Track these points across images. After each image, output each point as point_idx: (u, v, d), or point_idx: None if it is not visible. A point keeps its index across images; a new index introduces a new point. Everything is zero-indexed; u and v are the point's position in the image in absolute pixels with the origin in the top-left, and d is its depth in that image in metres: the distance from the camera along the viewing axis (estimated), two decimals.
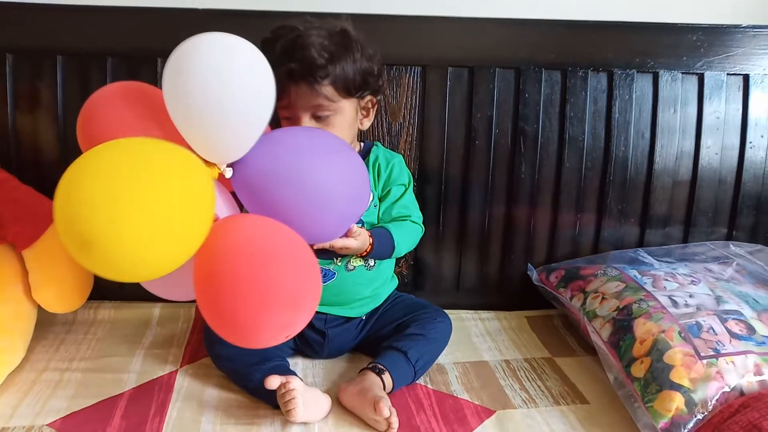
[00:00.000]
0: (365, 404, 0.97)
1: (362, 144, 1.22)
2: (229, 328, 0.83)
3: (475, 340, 1.29)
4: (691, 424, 0.92)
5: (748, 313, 1.08)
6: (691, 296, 1.14)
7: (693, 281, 1.19)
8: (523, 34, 1.36)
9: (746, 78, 1.40)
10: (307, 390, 0.98)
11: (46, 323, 1.22)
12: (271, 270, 0.80)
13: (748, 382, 0.96)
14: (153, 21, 1.29)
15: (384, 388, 1.02)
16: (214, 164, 0.86)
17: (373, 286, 1.19)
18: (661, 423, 0.93)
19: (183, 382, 1.09)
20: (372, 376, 1.03)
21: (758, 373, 0.97)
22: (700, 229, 1.45)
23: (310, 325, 1.14)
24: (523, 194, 1.40)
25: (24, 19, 1.28)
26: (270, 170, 0.88)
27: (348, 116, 1.09)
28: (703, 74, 1.39)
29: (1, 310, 1.05)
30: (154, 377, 1.10)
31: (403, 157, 1.25)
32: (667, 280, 1.20)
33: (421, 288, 1.43)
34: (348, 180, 0.92)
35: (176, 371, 1.12)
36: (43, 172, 1.31)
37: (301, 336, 1.15)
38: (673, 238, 1.45)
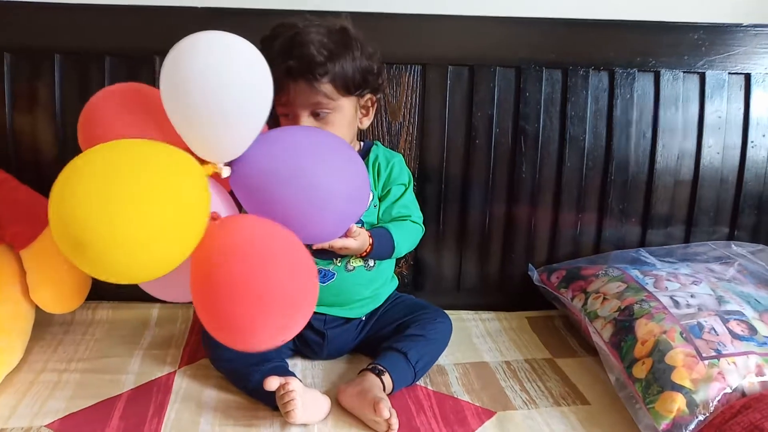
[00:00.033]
0: (365, 405, 0.97)
1: (362, 143, 1.22)
2: (225, 331, 0.82)
3: (476, 340, 1.29)
4: (692, 425, 0.92)
5: (749, 313, 1.08)
6: (692, 296, 1.13)
7: (695, 281, 1.19)
8: (523, 33, 1.36)
9: (748, 77, 1.39)
10: (306, 391, 0.97)
11: (44, 324, 1.22)
12: (267, 273, 0.79)
13: (750, 382, 0.96)
14: (151, 20, 1.29)
15: (384, 389, 1.02)
16: (209, 162, 0.85)
17: (373, 286, 1.18)
18: (663, 424, 0.93)
19: (181, 383, 1.08)
20: (372, 377, 1.03)
21: (760, 373, 0.96)
22: (702, 228, 1.44)
23: (310, 326, 1.14)
24: (524, 194, 1.40)
25: (22, 18, 1.27)
26: (269, 170, 0.88)
27: (347, 114, 1.09)
28: (704, 73, 1.39)
29: None
30: (153, 378, 1.09)
31: (403, 157, 1.25)
32: (668, 280, 1.20)
33: (421, 288, 1.43)
34: (347, 179, 0.92)
35: (175, 372, 1.12)
36: (42, 171, 1.30)
37: (300, 337, 1.15)
38: (675, 238, 1.44)
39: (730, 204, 1.44)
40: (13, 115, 1.30)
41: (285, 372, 1.04)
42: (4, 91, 1.28)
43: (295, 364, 1.15)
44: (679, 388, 0.95)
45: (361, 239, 1.05)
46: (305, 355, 1.18)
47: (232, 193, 0.94)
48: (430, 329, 1.13)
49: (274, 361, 1.05)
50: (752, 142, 1.42)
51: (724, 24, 1.37)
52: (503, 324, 1.36)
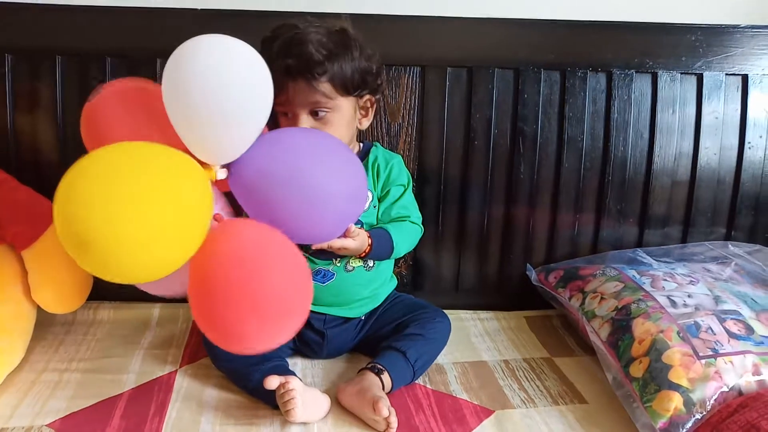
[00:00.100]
0: (364, 404, 0.97)
1: (361, 144, 1.22)
2: (219, 334, 0.83)
3: (474, 340, 1.29)
4: (689, 424, 0.92)
5: (746, 313, 1.08)
6: (689, 296, 1.14)
7: (692, 281, 1.20)
8: (522, 35, 1.36)
9: (745, 78, 1.40)
10: (306, 390, 0.98)
11: (45, 324, 1.22)
12: (262, 279, 0.80)
13: (747, 381, 0.96)
14: (152, 21, 1.29)
15: (383, 388, 1.02)
16: (209, 166, 0.86)
17: (372, 286, 1.19)
18: (660, 423, 0.93)
19: (182, 383, 1.09)
20: (371, 376, 1.03)
21: (756, 372, 0.97)
22: (699, 229, 1.45)
23: (310, 326, 1.14)
24: (522, 194, 1.41)
25: (23, 19, 1.28)
26: (267, 170, 0.88)
27: (346, 114, 1.09)
28: (701, 74, 1.39)
29: (0, 311, 1.05)
30: (154, 377, 1.10)
31: (402, 158, 1.25)
32: (665, 280, 1.21)
33: (420, 288, 1.43)
34: (345, 180, 0.92)
35: (175, 371, 1.12)
36: (43, 172, 1.31)
37: (300, 336, 1.15)
38: (672, 239, 1.45)
39: (727, 204, 1.45)
40: (13, 115, 1.30)
41: (285, 371, 1.04)
42: (5, 91, 1.29)
43: (295, 364, 1.15)
44: (676, 387, 0.95)
45: (359, 239, 1.06)
46: (305, 355, 1.18)
47: (231, 194, 0.94)
48: (429, 329, 1.14)
49: (274, 361, 1.06)
50: (749, 143, 1.42)
51: (721, 25, 1.37)
52: (502, 323, 1.37)
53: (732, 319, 1.06)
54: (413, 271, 1.43)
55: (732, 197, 1.44)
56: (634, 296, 1.16)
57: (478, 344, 1.27)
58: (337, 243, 1.03)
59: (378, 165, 1.18)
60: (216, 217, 0.85)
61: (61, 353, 1.17)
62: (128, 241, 0.72)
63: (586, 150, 1.40)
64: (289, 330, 0.85)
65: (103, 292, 1.30)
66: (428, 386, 1.10)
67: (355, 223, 1.07)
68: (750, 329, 1.04)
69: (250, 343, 0.83)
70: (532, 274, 1.41)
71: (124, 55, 1.30)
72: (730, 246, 1.39)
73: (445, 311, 1.21)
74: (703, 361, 0.98)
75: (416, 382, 1.11)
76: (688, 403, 0.94)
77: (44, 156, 1.32)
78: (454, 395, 1.08)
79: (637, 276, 1.23)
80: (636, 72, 1.38)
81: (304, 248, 0.87)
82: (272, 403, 0.98)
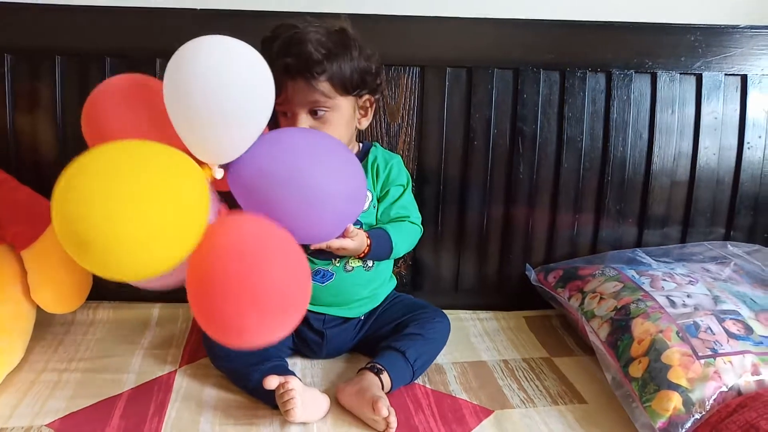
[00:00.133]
0: (364, 404, 0.97)
1: (361, 144, 1.22)
2: (217, 328, 0.82)
3: (474, 340, 1.29)
4: (688, 424, 0.93)
5: (745, 313, 1.09)
6: (688, 296, 1.14)
7: (691, 281, 1.20)
8: (521, 35, 1.36)
9: (744, 78, 1.40)
10: (305, 390, 0.98)
11: (44, 324, 1.22)
12: (261, 273, 0.80)
13: (746, 381, 0.96)
14: (151, 21, 1.29)
15: (382, 388, 1.03)
16: (207, 165, 0.86)
17: (372, 286, 1.19)
18: (659, 423, 0.94)
19: (182, 383, 1.09)
20: (370, 376, 1.03)
21: (756, 372, 0.97)
22: (698, 229, 1.45)
23: (309, 326, 1.14)
24: (522, 195, 1.41)
25: (23, 19, 1.28)
26: (266, 170, 0.88)
27: (345, 114, 1.09)
28: (701, 75, 1.39)
29: None
30: (153, 377, 1.10)
31: (402, 158, 1.26)
32: (665, 280, 1.21)
33: (420, 288, 1.43)
34: (344, 180, 0.92)
35: (175, 371, 1.12)
36: (42, 172, 1.31)
37: (299, 336, 1.15)
38: (671, 239, 1.45)
39: (727, 205, 1.45)
40: (13, 115, 1.30)
41: (284, 371, 1.04)
42: (4, 91, 1.29)
43: (295, 363, 1.15)
44: (676, 387, 0.96)
45: (358, 240, 1.06)
46: (305, 355, 1.18)
47: (230, 194, 0.94)
48: (429, 328, 1.14)
49: (274, 361, 1.06)
50: (748, 143, 1.42)
51: (720, 25, 1.38)
52: (501, 323, 1.37)
53: (731, 319, 1.06)
54: (413, 271, 1.43)
55: (731, 197, 1.45)
56: (634, 296, 1.16)
57: (477, 344, 1.27)
58: (336, 243, 1.03)
59: (377, 165, 1.18)
60: (218, 211, 0.85)
61: (60, 353, 1.17)
62: (127, 240, 0.72)
63: (586, 150, 1.40)
64: (288, 324, 0.84)
65: (102, 292, 1.30)
66: (428, 386, 1.10)
67: (354, 224, 1.07)
68: (749, 329, 1.05)
69: (249, 337, 0.82)
70: (532, 274, 1.41)
71: (123, 55, 1.30)
72: (729, 246, 1.39)
73: (444, 311, 1.21)
74: (702, 361, 0.98)
75: (416, 382, 1.11)
76: (688, 403, 0.94)
77: (44, 156, 1.32)
78: (454, 395, 1.08)
79: (637, 276, 1.24)
80: (635, 72, 1.38)
81: (303, 248, 0.87)
82: (272, 403, 0.98)
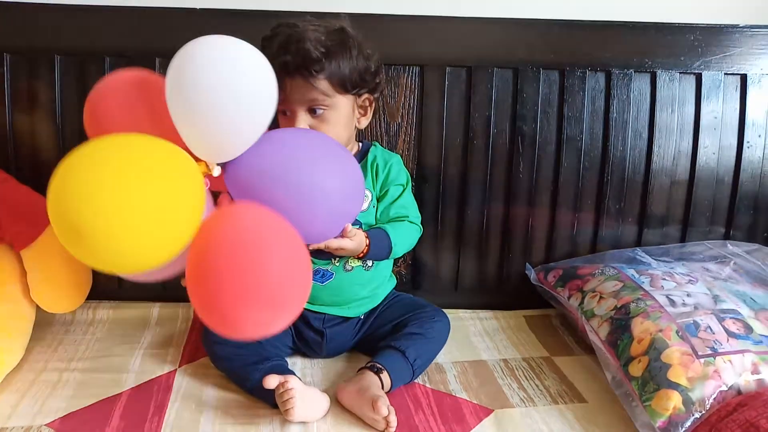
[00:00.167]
0: (364, 403, 0.97)
1: (360, 144, 1.22)
2: (214, 318, 0.82)
3: (474, 339, 1.29)
4: (688, 423, 0.93)
5: (745, 312, 1.09)
6: (688, 295, 1.14)
7: (690, 280, 1.20)
8: (521, 34, 1.36)
9: (744, 78, 1.40)
10: (305, 389, 0.98)
11: (44, 323, 1.22)
12: (261, 263, 0.79)
13: (746, 380, 0.96)
14: (151, 20, 1.29)
15: (382, 387, 1.03)
16: (202, 161, 0.86)
17: (371, 286, 1.19)
18: (659, 422, 0.94)
19: (182, 382, 1.09)
20: (370, 375, 1.03)
21: (755, 371, 0.97)
22: (698, 228, 1.45)
23: (309, 325, 1.15)
24: (522, 194, 1.41)
25: (22, 18, 1.28)
26: (264, 170, 0.88)
27: (344, 113, 1.09)
28: (700, 74, 1.39)
29: None
30: (153, 377, 1.10)
31: (402, 157, 1.26)
32: (664, 279, 1.21)
33: (420, 287, 1.43)
34: (342, 179, 0.92)
35: (175, 371, 1.12)
36: (42, 172, 1.30)
37: (299, 335, 1.15)
38: (671, 238, 1.45)
39: (726, 204, 1.45)
40: (12, 115, 1.30)
41: (284, 370, 1.04)
42: (4, 91, 1.29)
43: (295, 363, 1.15)
44: (675, 386, 0.96)
45: (357, 240, 1.05)
46: (304, 354, 1.18)
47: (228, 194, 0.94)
48: (428, 328, 1.14)
49: (274, 360, 1.06)
50: (748, 142, 1.42)
51: (720, 25, 1.38)
52: (501, 323, 1.37)
53: (731, 318, 1.06)
54: (412, 271, 1.43)
55: (731, 196, 1.45)
56: (633, 295, 1.16)
57: (477, 343, 1.28)
58: (334, 243, 1.02)
59: (377, 164, 1.18)
60: (219, 200, 0.84)
61: (60, 353, 1.17)
62: (119, 231, 0.73)
63: (585, 149, 1.40)
64: (287, 316, 0.83)
65: (102, 291, 1.30)
66: (427, 385, 1.10)
67: (354, 223, 1.07)
68: (749, 328, 1.05)
69: (248, 328, 0.82)
70: (532, 274, 1.41)
71: (123, 54, 1.30)
72: (729, 245, 1.39)
73: (444, 310, 1.21)
74: (702, 360, 0.98)
75: (415, 381, 1.11)
76: (687, 402, 0.94)
77: (43, 156, 1.32)
78: (454, 394, 1.08)
79: (636, 275, 1.24)
80: (635, 71, 1.38)
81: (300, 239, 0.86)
82: (271, 402, 0.99)
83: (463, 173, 1.39)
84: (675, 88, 1.39)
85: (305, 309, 1.15)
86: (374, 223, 1.17)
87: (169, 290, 1.33)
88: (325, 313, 1.15)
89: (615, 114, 1.39)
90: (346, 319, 1.17)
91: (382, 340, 1.13)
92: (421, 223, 1.22)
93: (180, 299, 1.33)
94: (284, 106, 1.06)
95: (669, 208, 1.44)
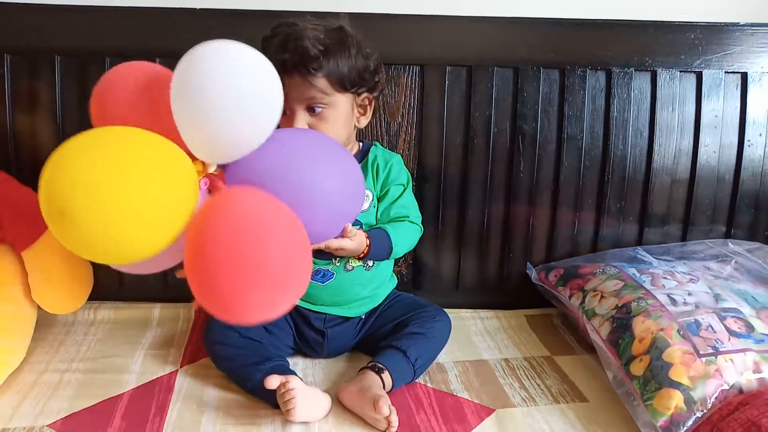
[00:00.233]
0: (365, 403, 0.97)
1: (361, 143, 1.22)
2: (213, 302, 0.81)
3: (475, 339, 1.29)
4: (690, 422, 0.93)
5: (746, 310, 1.09)
6: (689, 294, 1.14)
7: (692, 279, 1.20)
8: (521, 33, 1.36)
9: (744, 76, 1.40)
10: (306, 389, 0.98)
11: (45, 324, 1.22)
12: (259, 247, 0.78)
13: (747, 379, 0.96)
14: (151, 20, 1.29)
15: (383, 387, 1.03)
16: (198, 159, 0.86)
17: (372, 286, 1.19)
18: (661, 421, 0.94)
19: (183, 383, 1.09)
20: (371, 375, 1.03)
21: (757, 370, 0.97)
22: (699, 227, 1.45)
23: (310, 325, 1.15)
24: (522, 193, 1.41)
25: (22, 19, 1.28)
26: (264, 169, 0.88)
27: (343, 111, 1.09)
28: (701, 72, 1.39)
29: (0, 311, 1.05)
30: (154, 378, 1.10)
31: (402, 157, 1.25)
32: (665, 278, 1.21)
33: (421, 287, 1.43)
34: (342, 179, 0.92)
35: (176, 371, 1.12)
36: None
37: (300, 335, 1.16)
38: (672, 237, 1.45)
39: (727, 202, 1.45)
40: (13, 116, 1.30)
41: (285, 371, 1.04)
42: (4, 92, 1.29)
43: (296, 363, 1.15)
44: (677, 385, 0.95)
45: (357, 240, 1.05)
46: (306, 354, 1.18)
47: None
48: (429, 327, 1.14)
49: (275, 360, 1.06)
50: (749, 140, 1.42)
51: (720, 23, 1.38)
52: (502, 322, 1.37)
53: (732, 317, 1.06)
54: (413, 270, 1.43)
55: (732, 195, 1.45)
56: (635, 294, 1.16)
57: (478, 343, 1.28)
58: (335, 243, 1.02)
59: (377, 164, 1.18)
60: (214, 184, 0.84)
61: (61, 353, 1.17)
62: (108, 218, 0.73)
63: (586, 148, 1.40)
64: (290, 297, 0.82)
65: (103, 292, 1.30)
66: (429, 385, 1.10)
67: (354, 224, 1.07)
68: (750, 327, 1.05)
69: (251, 312, 0.81)
70: (532, 273, 1.41)
71: (123, 55, 1.28)
72: (730, 244, 1.39)
73: (445, 310, 1.21)
74: (703, 359, 0.98)
75: (417, 381, 1.11)
76: (689, 401, 0.94)
77: (44, 156, 1.28)
78: (455, 394, 1.08)
79: (637, 274, 1.24)
80: (635, 70, 1.38)
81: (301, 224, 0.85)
82: (273, 402, 0.98)
83: (463, 173, 1.39)
84: (675, 86, 1.39)
85: (306, 309, 1.15)
86: (375, 223, 1.17)
87: (170, 291, 1.33)
88: (326, 313, 1.15)
89: (615, 113, 1.39)
90: (347, 319, 1.17)
91: (383, 339, 1.13)
92: (422, 223, 1.22)
93: (181, 300, 1.33)
94: (283, 105, 1.06)
95: (670, 207, 1.44)
